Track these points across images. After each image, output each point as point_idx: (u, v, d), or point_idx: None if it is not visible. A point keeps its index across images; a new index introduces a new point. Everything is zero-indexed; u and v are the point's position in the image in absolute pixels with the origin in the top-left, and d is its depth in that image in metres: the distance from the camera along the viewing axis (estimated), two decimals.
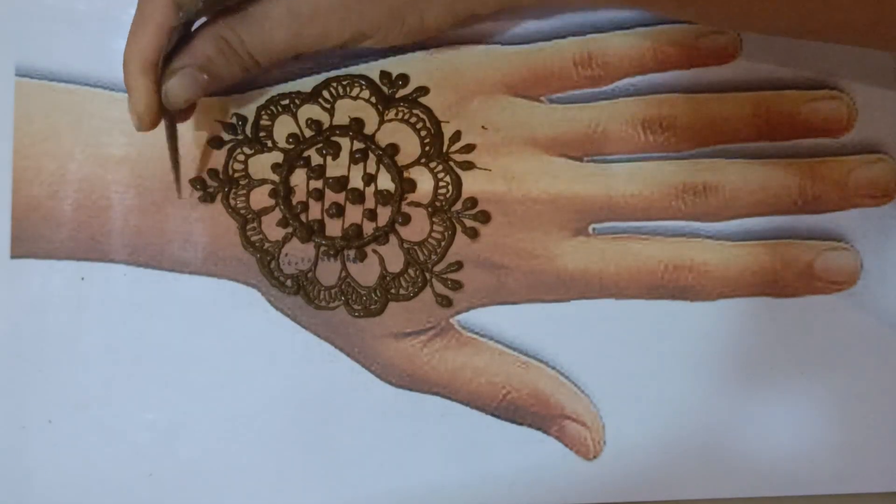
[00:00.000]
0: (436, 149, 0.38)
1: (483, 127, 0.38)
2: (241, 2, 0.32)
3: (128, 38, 0.32)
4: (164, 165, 0.37)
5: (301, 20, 0.33)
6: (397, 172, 0.38)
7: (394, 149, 0.38)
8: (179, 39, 0.33)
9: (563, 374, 0.37)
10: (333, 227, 0.38)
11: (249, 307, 0.37)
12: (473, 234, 0.37)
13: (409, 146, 0.38)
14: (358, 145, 0.38)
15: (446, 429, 0.37)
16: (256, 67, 0.34)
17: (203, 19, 0.33)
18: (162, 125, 0.34)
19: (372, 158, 0.38)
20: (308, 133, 0.38)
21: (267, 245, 0.38)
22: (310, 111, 0.38)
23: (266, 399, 0.37)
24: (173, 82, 0.33)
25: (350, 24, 0.33)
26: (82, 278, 0.37)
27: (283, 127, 0.38)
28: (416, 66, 0.38)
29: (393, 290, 0.37)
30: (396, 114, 0.38)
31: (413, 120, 0.38)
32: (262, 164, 0.38)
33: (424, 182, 0.38)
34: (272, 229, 0.38)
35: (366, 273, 0.37)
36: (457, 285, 0.37)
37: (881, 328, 0.38)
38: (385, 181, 0.38)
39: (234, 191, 0.38)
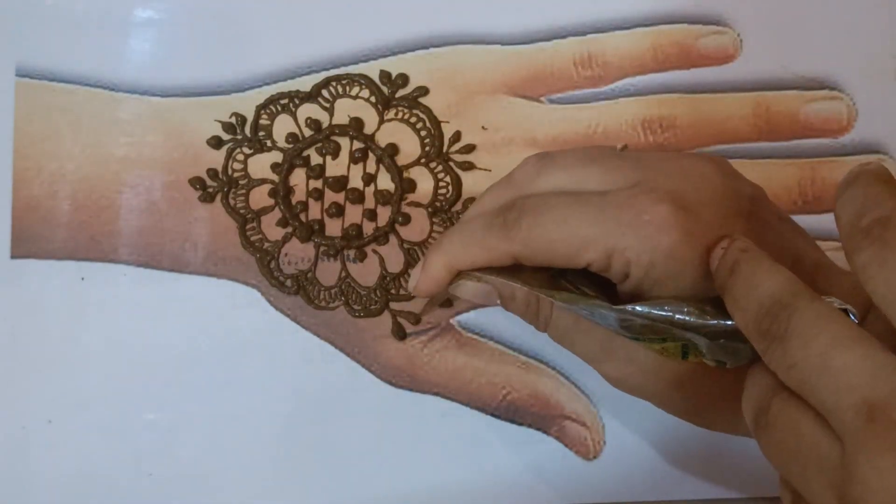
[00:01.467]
0: (436, 149, 0.38)
1: (483, 127, 0.38)
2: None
3: (455, 234, 0.31)
4: (165, 165, 0.37)
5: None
6: (397, 172, 0.38)
7: (394, 149, 0.38)
8: None
9: (563, 374, 0.37)
10: (333, 227, 0.38)
11: (249, 307, 0.37)
12: None
13: (409, 146, 0.38)
14: (358, 145, 0.38)
15: (446, 429, 0.37)
16: (541, 326, 0.32)
17: None
18: None
19: (372, 158, 0.38)
20: (307, 132, 0.38)
21: (267, 245, 0.37)
22: (309, 111, 0.38)
23: (266, 399, 0.37)
24: (469, 285, 0.31)
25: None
26: (82, 278, 0.37)
27: (283, 126, 0.38)
28: (416, 66, 0.38)
29: (393, 291, 0.37)
30: (396, 113, 0.38)
31: (413, 120, 0.38)
32: (261, 164, 0.38)
33: (424, 182, 0.38)
34: (272, 229, 0.38)
35: (366, 273, 0.37)
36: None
37: None
38: (385, 181, 0.38)
39: (233, 191, 0.38)
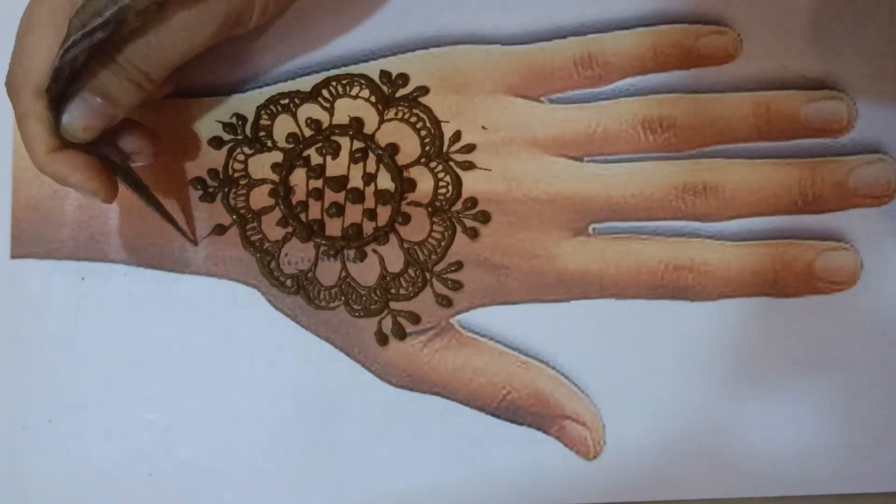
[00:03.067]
0: (436, 148, 0.38)
1: (483, 127, 0.38)
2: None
3: (14, 57, 0.32)
4: (165, 165, 0.37)
5: (174, 23, 0.31)
6: (397, 172, 0.38)
7: (394, 148, 0.38)
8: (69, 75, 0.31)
9: (563, 374, 0.37)
10: (333, 227, 0.38)
11: (249, 307, 0.37)
12: (473, 234, 0.37)
13: (409, 146, 0.38)
14: (358, 145, 0.38)
15: (446, 429, 0.37)
16: (149, 82, 0.32)
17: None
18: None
19: (372, 158, 0.38)
20: (308, 132, 0.38)
21: (267, 245, 0.38)
22: (309, 110, 0.38)
23: (266, 399, 0.37)
24: (67, 112, 0.31)
25: (216, 14, 0.32)
26: (82, 278, 0.37)
27: (283, 126, 0.38)
28: (416, 66, 0.38)
29: (393, 290, 0.37)
30: (396, 113, 0.38)
31: (413, 119, 0.38)
32: (261, 164, 0.38)
33: (424, 182, 0.38)
34: (272, 229, 0.38)
35: (366, 273, 0.37)
36: (457, 285, 0.37)
37: (881, 328, 0.38)
38: (385, 181, 0.38)
39: (234, 190, 0.38)
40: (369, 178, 0.38)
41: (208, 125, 0.38)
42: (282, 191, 0.37)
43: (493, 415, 0.37)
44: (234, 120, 0.38)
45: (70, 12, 0.30)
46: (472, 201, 0.38)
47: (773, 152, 0.38)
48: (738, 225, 0.38)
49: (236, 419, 0.37)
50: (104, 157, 0.33)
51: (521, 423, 0.37)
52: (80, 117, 0.31)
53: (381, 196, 0.37)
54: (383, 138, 0.38)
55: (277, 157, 0.38)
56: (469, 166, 0.38)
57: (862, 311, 0.38)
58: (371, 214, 0.37)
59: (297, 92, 0.38)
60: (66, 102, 0.31)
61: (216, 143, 0.38)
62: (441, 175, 0.38)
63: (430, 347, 0.37)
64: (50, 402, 0.37)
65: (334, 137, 0.38)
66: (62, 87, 0.31)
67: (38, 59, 0.31)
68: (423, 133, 0.38)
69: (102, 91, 0.32)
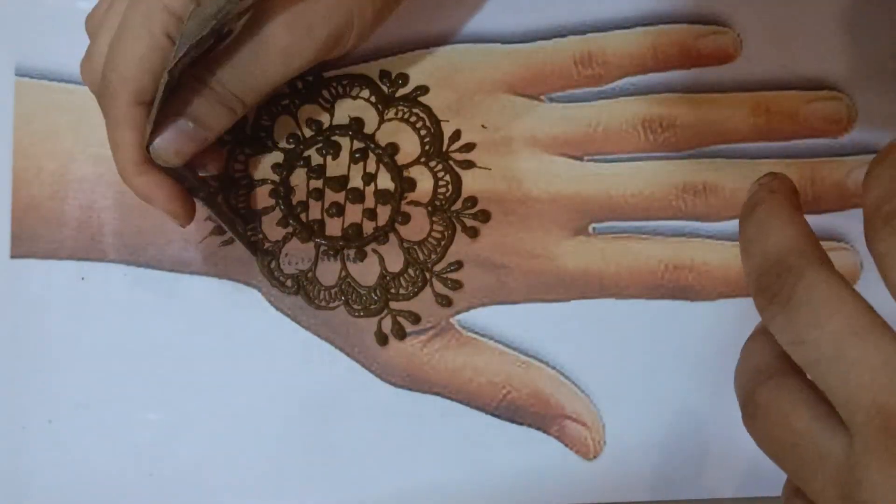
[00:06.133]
0: (436, 148, 0.38)
1: (483, 126, 0.38)
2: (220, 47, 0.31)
3: (110, 55, 0.30)
4: None
5: (272, 48, 0.31)
6: (397, 172, 0.38)
7: (393, 148, 0.38)
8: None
9: (563, 373, 0.37)
10: (333, 227, 0.38)
11: (249, 307, 0.37)
12: (473, 233, 0.37)
13: (409, 145, 0.38)
14: (358, 145, 0.38)
15: (446, 429, 0.37)
16: (242, 107, 0.32)
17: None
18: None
19: (372, 158, 0.38)
20: (308, 133, 0.38)
21: (267, 245, 0.38)
22: (310, 111, 0.38)
23: (266, 399, 0.37)
24: (160, 136, 0.31)
25: (316, 38, 0.32)
26: (82, 278, 0.37)
27: (283, 127, 0.38)
28: (416, 66, 0.38)
29: (393, 290, 0.37)
30: (396, 113, 0.38)
31: (413, 119, 0.38)
32: (262, 164, 0.38)
33: (424, 181, 0.38)
34: (272, 229, 0.38)
35: (366, 273, 0.37)
36: (457, 285, 0.37)
37: None
38: (385, 180, 0.38)
39: (234, 191, 0.38)
40: (369, 178, 0.38)
41: None
42: (282, 191, 0.37)
43: (493, 415, 0.37)
44: None
45: (165, 19, 0.29)
46: (472, 201, 0.37)
47: (773, 152, 0.38)
48: (739, 225, 0.38)
49: (236, 419, 0.37)
50: (181, 175, 0.33)
51: (521, 423, 0.37)
52: (172, 142, 0.31)
53: (381, 196, 0.37)
54: (383, 138, 0.38)
55: (278, 157, 0.38)
56: (469, 165, 0.38)
57: None
58: (371, 214, 0.37)
59: (298, 92, 0.38)
60: (158, 124, 0.31)
61: (217, 143, 0.38)
62: (441, 174, 0.38)
63: (429, 347, 0.37)
64: (50, 402, 0.37)
65: (334, 137, 0.38)
66: (165, 97, 0.30)
67: (134, 64, 0.30)
68: (422, 132, 0.38)
69: (195, 116, 0.31)
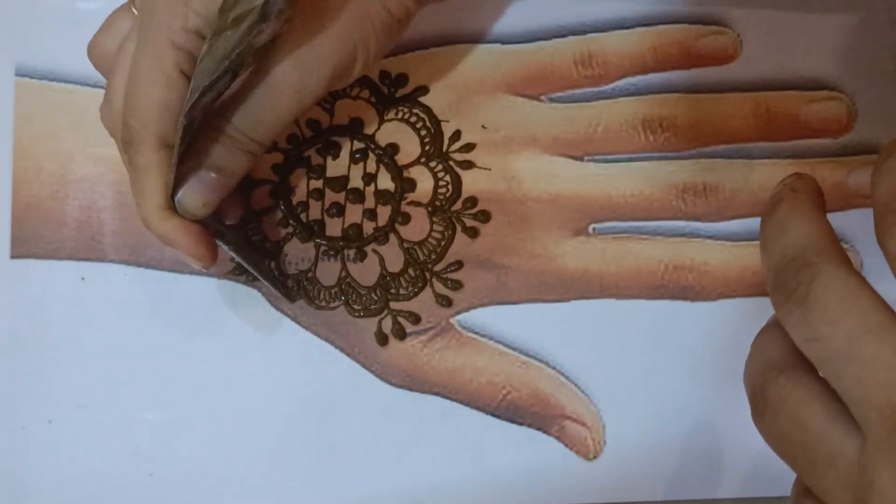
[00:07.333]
0: (436, 148, 0.38)
1: (483, 126, 0.38)
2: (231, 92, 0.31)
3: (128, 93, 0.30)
4: None
5: (283, 87, 0.31)
6: (397, 172, 0.38)
7: (394, 148, 0.38)
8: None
9: (563, 374, 0.37)
10: (333, 227, 0.38)
11: (249, 307, 0.37)
12: (473, 233, 0.37)
13: (409, 145, 0.38)
14: (358, 145, 0.38)
15: (446, 429, 0.37)
16: (261, 148, 0.32)
17: None
18: None
19: (372, 158, 0.38)
20: (308, 133, 0.38)
21: (267, 245, 0.38)
22: (309, 111, 0.38)
23: (266, 399, 0.37)
24: (183, 191, 0.31)
25: (323, 74, 0.31)
26: (82, 278, 0.37)
27: None
28: (416, 66, 0.38)
29: (393, 290, 0.37)
30: (396, 113, 0.38)
31: (413, 119, 0.38)
32: (262, 165, 0.38)
33: (424, 181, 0.38)
34: (272, 229, 0.38)
35: (366, 273, 0.37)
36: (457, 285, 0.37)
37: None
38: (385, 181, 0.38)
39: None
40: (369, 179, 0.38)
41: None
42: (282, 191, 0.37)
43: (493, 415, 0.37)
44: None
45: (175, 58, 0.29)
46: (472, 201, 0.38)
47: (773, 152, 0.38)
48: (738, 225, 0.38)
49: (236, 419, 0.37)
50: (204, 221, 0.33)
51: (521, 423, 0.37)
52: (198, 194, 0.31)
53: (381, 196, 0.37)
54: (383, 138, 0.38)
55: (277, 157, 0.38)
56: (469, 166, 0.38)
57: None
58: (371, 214, 0.37)
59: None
60: (179, 173, 0.31)
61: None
62: (441, 175, 0.38)
63: (430, 347, 0.37)
64: (50, 402, 0.37)
65: (334, 138, 0.38)
66: (185, 142, 0.30)
67: (153, 108, 0.30)
68: (422, 133, 0.38)
69: (216, 165, 0.31)
